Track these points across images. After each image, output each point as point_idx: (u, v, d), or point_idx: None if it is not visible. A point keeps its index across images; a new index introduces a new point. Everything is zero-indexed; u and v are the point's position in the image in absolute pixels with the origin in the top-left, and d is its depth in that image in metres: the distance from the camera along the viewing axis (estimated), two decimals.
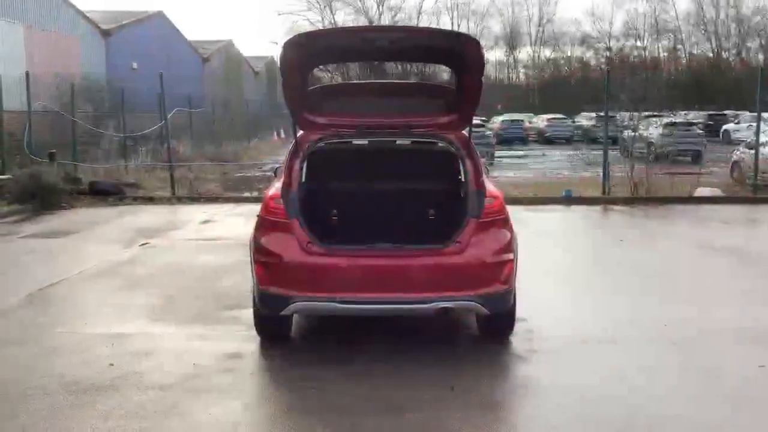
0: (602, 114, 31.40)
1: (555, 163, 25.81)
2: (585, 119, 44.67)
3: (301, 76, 6.43)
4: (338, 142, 6.59)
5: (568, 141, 41.71)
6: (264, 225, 6.07)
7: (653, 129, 24.57)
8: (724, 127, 41.55)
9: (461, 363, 5.98)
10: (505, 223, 6.11)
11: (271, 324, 6.31)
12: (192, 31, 74.09)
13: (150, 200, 17.23)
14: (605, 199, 16.96)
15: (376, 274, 5.85)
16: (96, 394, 5.31)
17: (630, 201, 16.68)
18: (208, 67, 43.80)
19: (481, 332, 6.60)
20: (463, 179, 6.35)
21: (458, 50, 6.14)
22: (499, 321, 6.31)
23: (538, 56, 76.55)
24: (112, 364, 5.90)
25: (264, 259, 5.94)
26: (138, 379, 5.58)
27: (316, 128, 6.58)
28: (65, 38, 27.29)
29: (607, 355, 6.20)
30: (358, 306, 5.83)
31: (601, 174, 17.67)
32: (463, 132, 6.63)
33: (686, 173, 19.50)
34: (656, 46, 71.17)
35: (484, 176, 6.33)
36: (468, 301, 5.83)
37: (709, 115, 44.49)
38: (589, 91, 57.82)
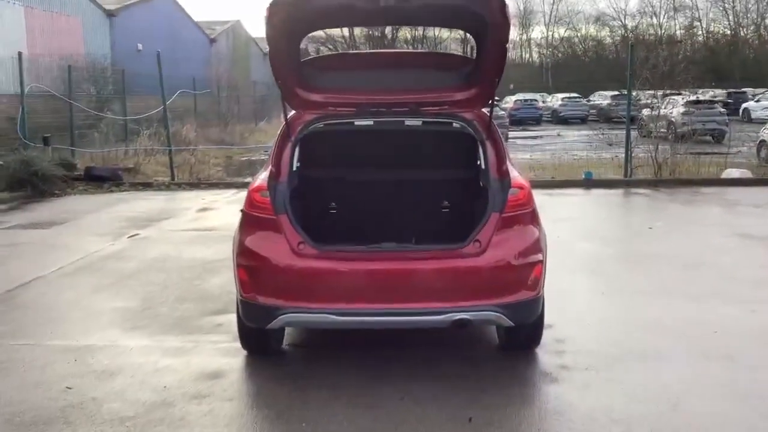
0: (619, 93, 30.35)
1: (571, 144, 24.74)
2: (601, 98, 43.65)
3: (291, 45, 5.45)
4: (336, 123, 5.64)
5: (582, 121, 40.90)
6: (247, 222, 5.17)
7: (674, 108, 23.65)
8: (744, 105, 40.35)
9: (480, 384, 5.07)
10: (532, 217, 5.18)
11: (257, 338, 5.42)
12: (199, 12, 73.32)
13: (148, 186, 16.48)
14: (627, 182, 16.12)
15: (380, 280, 4.94)
16: (41, 429, 4.43)
17: (654, 183, 15.85)
18: (216, 48, 42.91)
19: (502, 344, 5.68)
20: (483, 166, 5.39)
21: (479, 11, 5.16)
22: (525, 332, 5.40)
23: (552, 35, 75.09)
24: (69, 388, 5.02)
25: (247, 263, 5.03)
26: (94, 409, 4.68)
27: (310, 107, 5.63)
28: (68, 19, 26.40)
29: (654, 373, 5.25)
30: (358, 318, 4.93)
31: (624, 155, 16.70)
32: (483, 110, 5.68)
33: (713, 153, 18.49)
34: (673, 23, 69.54)
35: (508, 162, 5.38)
36: (489, 311, 4.91)
37: (728, 93, 43.15)
38: (604, 70, 56.93)
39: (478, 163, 5.49)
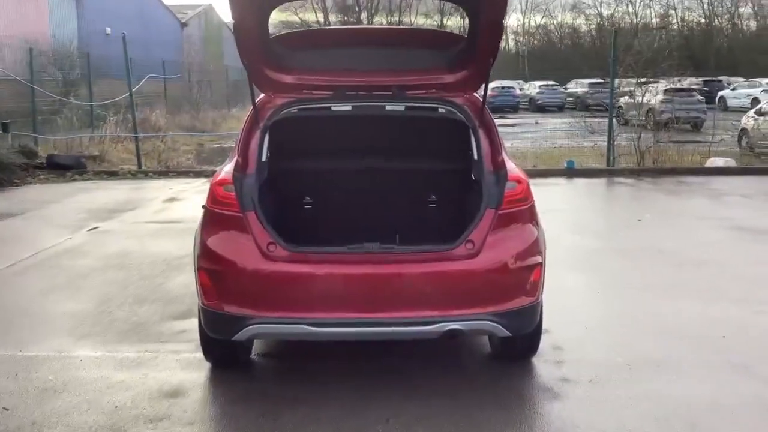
0: (597, 81, 29.99)
1: (551, 132, 24.27)
2: (578, 86, 43.25)
3: (259, 18, 4.82)
4: (310, 108, 5.04)
5: (560, 108, 40.58)
6: (210, 220, 4.57)
7: (652, 95, 23.28)
8: (720, 93, 40.26)
9: (474, 401, 4.51)
10: (531, 214, 4.63)
11: (222, 349, 4.82)
12: None
13: (113, 175, 15.79)
14: (610, 171, 15.73)
15: (361, 285, 4.37)
16: None
17: (637, 172, 15.49)
18: (187, 32, 41.93)
19: (496, 353, 5.14)
20: (475, 156, 4.81)
21: None
22: (522, 341, 4.85)
23: (529, 22, 74.60)
24: (6, 409, 4.40)
25: (210, 267, 4.43)
26: None
27: (281, 90, 5.01)
28: (35, 1, 25.42)
29: (666, 386, 4.72)
30: (337, 330, 4.36)
31: (606, 143, 16.28)
32: (475, 95, 5.11)
33: (695, 142, 18.14)
34: (648, 12, 69.34)
35: (504, 152, 4.82)
36: (484, 320, 4.35)
37: (705, 81, 42.94)
38: (580, 57, 56.60)
39: (470, 153, 4.90)
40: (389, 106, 5.05)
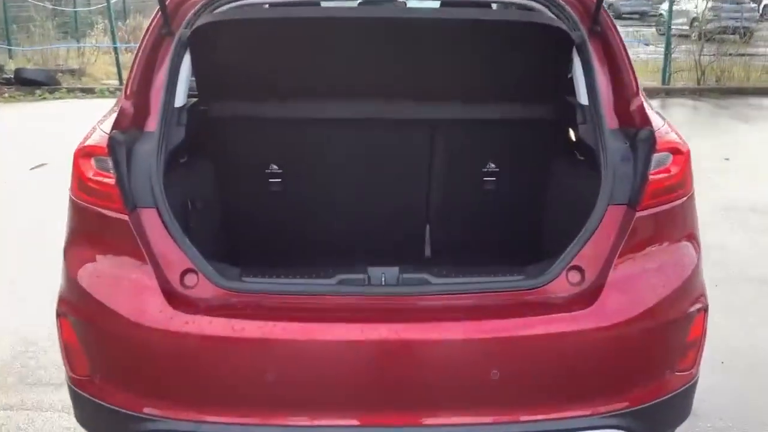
0: None
1: None
2: None
3: None
4: (269, 3, 2.84)
5: None
6: (76, 221, 2.45)
7: (696, 1, 20.73)
8: (765, 1, 37.17)
9: None
10: (689, 215, 2.48)
11: None
12: None
13: (89, 92, 13.80)
14: (667, 91, 13.61)
15: (363, 365, 2.24)
16: None
17: (698, 93, 13.39)
18: None
19: None
20: (583, 100, 2.63)
21: None
22: None
23: None
24: None
25: (75, 316, 2.35)
26: None
27: None
28: None
29: None
30: None
31: (663, 57, 14.11)
32: None
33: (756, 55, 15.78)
34: None
35: (642, 95, 2.60)
36: (604, 429, 2.25)
37: None
38: None
39: (574, 95, 2.71)
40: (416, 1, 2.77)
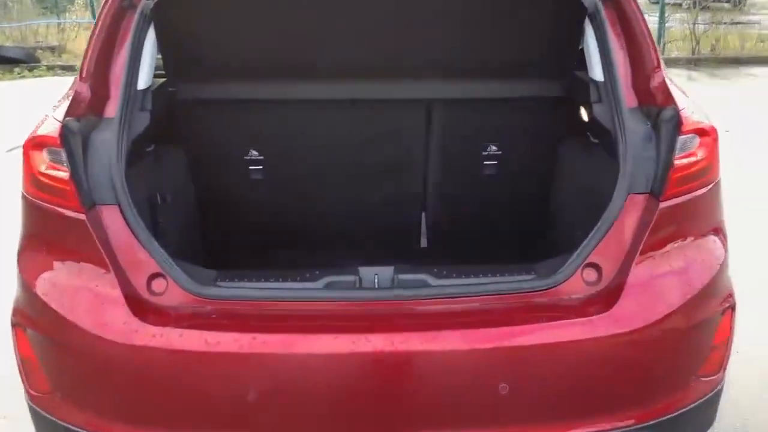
0: None
1: None
2: None
3: None
4: None
5: None
6: (30, 221, 2.18)
7: None
8: None
9: None
10: (715, 204, 2.23)
11: None
12: None
13: (69, 70, 13.41)
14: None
15: (358, 381, 2.00)
16: None
17: (693, 62, 13.18)
18: None
19: None
20: (598, 76, 2.39)
21: None
22: None
23: None
24: None
25: (31, 327, 2.09)
26: None
27: None
28: None
29: None
30: None
31: (657, 26, 13.76)
32: None
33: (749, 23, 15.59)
34: None
35: (664, 70, 2.33)
36: None
37: None
38: None
39: (588, 70, 2.47)
40: None
